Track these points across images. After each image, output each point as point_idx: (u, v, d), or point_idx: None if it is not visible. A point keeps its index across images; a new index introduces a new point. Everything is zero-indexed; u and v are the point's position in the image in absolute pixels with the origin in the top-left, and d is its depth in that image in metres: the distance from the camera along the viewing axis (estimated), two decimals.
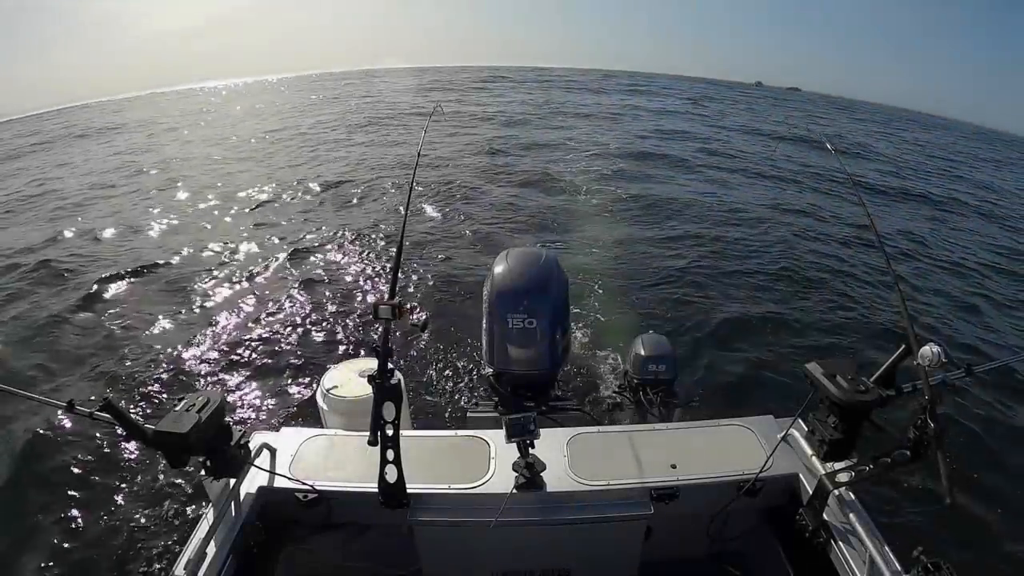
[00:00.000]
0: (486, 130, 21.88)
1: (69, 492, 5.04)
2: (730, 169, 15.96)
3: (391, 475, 2.18)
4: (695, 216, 11.88)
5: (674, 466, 2.43)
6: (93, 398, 1.98)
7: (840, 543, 2.09)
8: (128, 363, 7.12)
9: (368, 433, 2.10)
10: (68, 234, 12.48)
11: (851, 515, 2.13)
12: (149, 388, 6.53)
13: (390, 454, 2.15)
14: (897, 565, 1.94)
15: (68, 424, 5.64)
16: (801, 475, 2.38)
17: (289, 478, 2.38)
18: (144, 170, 18.58)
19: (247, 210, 13.50)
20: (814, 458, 2.39)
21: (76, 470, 5.25)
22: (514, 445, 2.33)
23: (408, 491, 2.23)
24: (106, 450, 5.37)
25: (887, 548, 2.01)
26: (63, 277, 10.08)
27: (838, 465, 2.23)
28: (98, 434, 5.44)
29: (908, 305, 2.21)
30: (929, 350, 1.94)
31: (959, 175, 21.96)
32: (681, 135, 24.90)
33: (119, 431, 1.95)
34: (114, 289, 9.46)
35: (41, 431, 5.66)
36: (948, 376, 2.03)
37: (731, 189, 13.76)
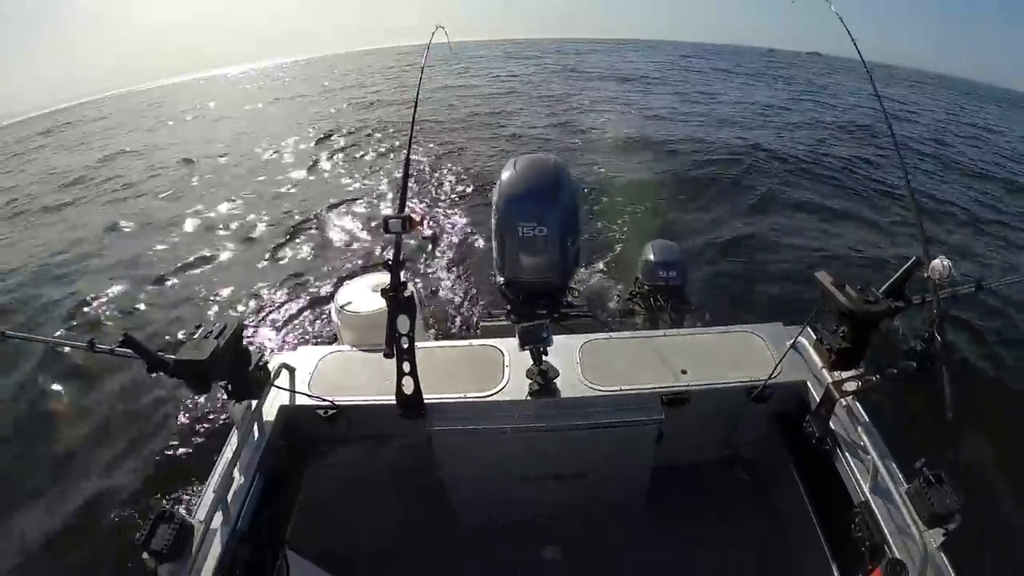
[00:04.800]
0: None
1: (96, 429, 5.14)
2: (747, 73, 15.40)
3: (408, 386, 2.22)
4: (709, 122, 11.61)
5: (685, 371, 2.44)
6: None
7: (846, 451, 2.11)
8: (144, 296, 7.20)
9: (384, 346, 2.12)
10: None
11: (857, 425, 2.15)
12: (166, 320, 6.62)
13: (406, 366, 2.18)
14: (900, 475, 1.97)
15: (90, 363, 5.70)
16: (809, 383, 2.39)
17: (309, 395, 2.42)
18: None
19: (253, 133, 13.33)
20: (822, 367, 2.41)
21: (100, 408, 5.34)
22: (527, 353, 2.34)
23: (425, 401, 2.28)
24: (129, 385, 5.47)
25: (890, 458, 2.04)
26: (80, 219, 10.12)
27: (845, 374, 2.23)
28: (120, 370, 5.53)
29: (922, 217, 2.16)
30: (940, 263, 1.92)
31: None
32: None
33: (141, 365, 1.97)
34: (126, 223, 9.48)
35: (63, 373, 5.75)
36: (958, 290, 2.01)
37: (749, 92, 13.35)
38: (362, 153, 11.06)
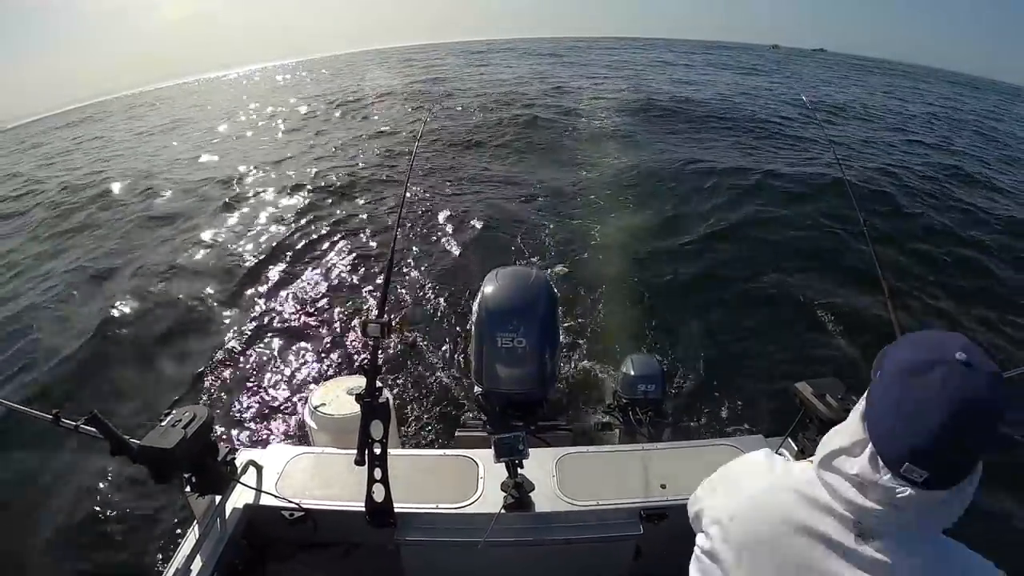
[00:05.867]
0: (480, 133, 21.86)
1: (50, 507, 4.97)
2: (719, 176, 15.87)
3: (378, 494, 2.17)
4: (683, 230, 11.90)
5: (664, 486, 2.42)
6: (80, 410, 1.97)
7: None
8: (114, 377, 7.08)
9: (356, 451, 2.09)
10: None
11: None
12: (135, 403, 6.48)
13: (377, 473, 2.14)
14: None
15: (53, 437, 5.54)
16: None
17: (275, 495, 2.36)
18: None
19: (234, 219, 13.47)
20: None
21: (58, 485, 5.18)
22: (503, 465, 2.31)
23: (395, 510, 2.22)
24: (91, 464, 5.30)
25: None
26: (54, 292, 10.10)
27: None
28: (83, 448, 5.37)
29: (901, 320, 2.21)
30: None
31: None
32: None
33: (105, 445, 1.94)
34: (100, 302, 9.43)
35: (24, 444, 5.59)
36: None
37: (716, 197, 13.78)
38: (346, 248, 11.21)
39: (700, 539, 1.51)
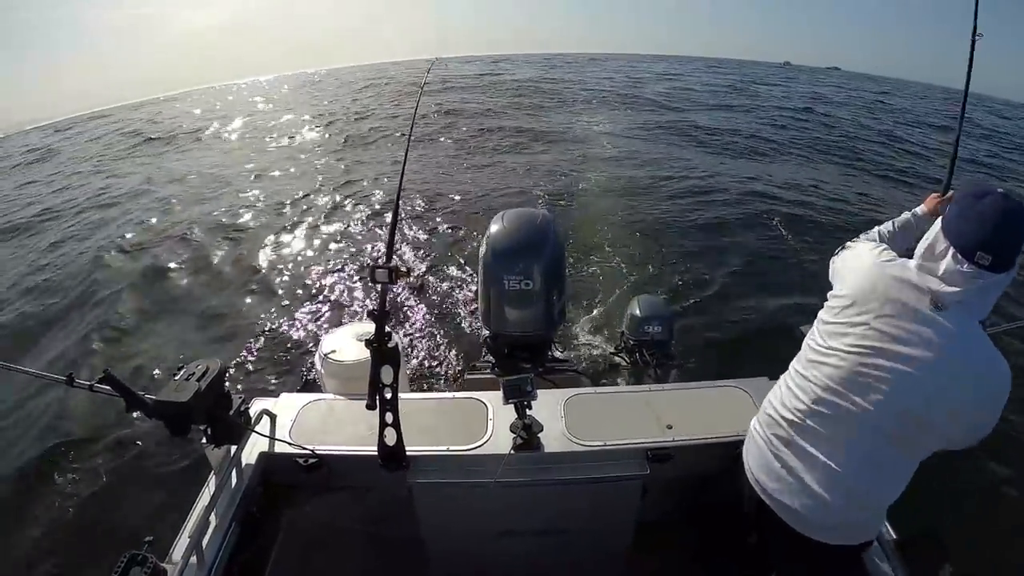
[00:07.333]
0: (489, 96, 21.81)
1: (71, 466, 5.02)
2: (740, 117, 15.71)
3: (390, 438, 2.19)
4: (696, 175, 11.81)
5: (670, 427, 2.44)
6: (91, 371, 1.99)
7: None
8: (127, 335, 7.13)
9: (367, 397, 2.11)
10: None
11: None
12: (148, 358, 6.54)
13: (389, 417, 2.16)
14: (890, 528, 1.97)
15: (68, 398, 5.61)
16: None
17: (289, 443, 2.39)
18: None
19: (244, 176, 13.40)
20: None
21: (77, 444, 5.22)
22: (511, 406, 2.33)
23: (407, 453, 2.25)
24: (106, 423, 5.37)
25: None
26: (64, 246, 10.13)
27: None
28: (98, 407, 5.43)
29: None
30: None
31: None
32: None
33: (121, 403, 1.95)
34: (111, 260, 9.46)
35: (41, 407, 5.66)
36: None
37: (737, 144, 13.66)
38: (355, 192, 11.18)
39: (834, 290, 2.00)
